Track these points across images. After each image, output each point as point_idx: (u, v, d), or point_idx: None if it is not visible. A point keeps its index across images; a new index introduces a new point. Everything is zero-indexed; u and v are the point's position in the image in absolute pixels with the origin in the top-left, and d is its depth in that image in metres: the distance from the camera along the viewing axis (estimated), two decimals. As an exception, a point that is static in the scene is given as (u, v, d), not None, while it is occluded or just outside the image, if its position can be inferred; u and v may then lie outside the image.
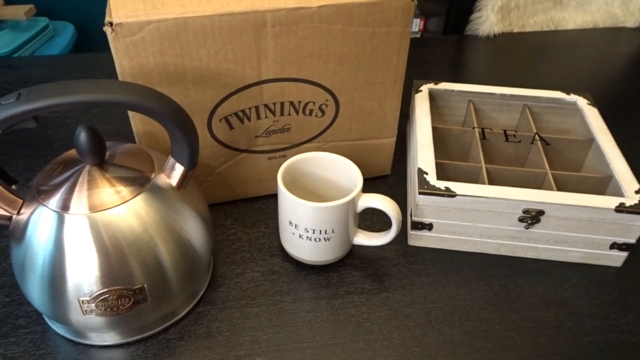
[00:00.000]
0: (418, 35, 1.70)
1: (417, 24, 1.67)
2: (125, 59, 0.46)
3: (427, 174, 0.52)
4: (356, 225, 0.52)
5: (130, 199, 0.42)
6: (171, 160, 0.44)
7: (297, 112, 0.54)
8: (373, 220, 0.57)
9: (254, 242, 0.55)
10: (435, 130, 0.61)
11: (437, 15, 1.39)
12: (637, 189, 0.51)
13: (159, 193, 0.44)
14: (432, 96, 0.66)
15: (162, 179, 0.44)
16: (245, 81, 0.50)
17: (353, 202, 0.48)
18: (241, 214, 0.58)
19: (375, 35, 0.51)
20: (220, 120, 0.52)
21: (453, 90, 0.66)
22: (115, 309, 0.42)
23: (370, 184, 0.63)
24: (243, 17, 0.47)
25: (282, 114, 0.54)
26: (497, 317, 0.49)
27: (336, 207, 0.47)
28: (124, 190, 0.43)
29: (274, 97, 0.52)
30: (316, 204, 0.46)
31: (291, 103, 0.53)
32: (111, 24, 0.44)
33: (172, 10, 0.45)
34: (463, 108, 0.67)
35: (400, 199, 0.58)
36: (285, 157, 0.55)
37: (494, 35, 0.96)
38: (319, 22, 0.49)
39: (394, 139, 0.61)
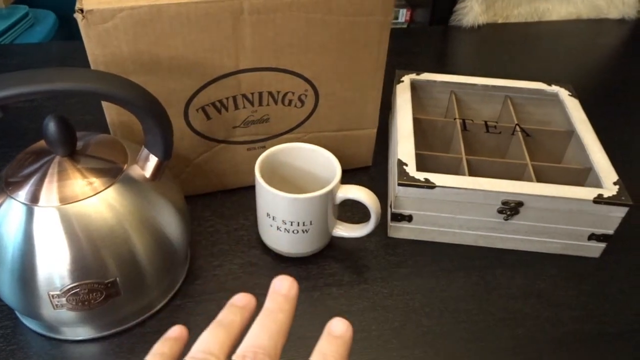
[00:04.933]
0: (405, 26, 1.69)
1: (403, 15, 1.66)
2: (98, 47, 0.45)
3: (406, 165, 0.52)
4: (335, 217, 0.51)
5: (102, 190, 0.41)
6: (145, 151, 0.43)
7: (275, 102, 0.54)
8: (353, 211, 0.56)
9: (233, 234, 0.54)
10: (417, 121, 0.60)
11: (424, 6, 1.38)
12: (615, 180, 0.52)
13: (132, 184, 0.43)
14: (414, 87, 0.65)
15: (136, 170, 0.44)
16: (222, 70, 0.49)
17: (331, 193, 0.47)
18: (220, 206, 0.57)
19: (356, 25, 0.51)
20: (197, 110, 0.51)
21: (435, 81, 0.65)
22: (86, 303, 0.41)
23: (352, 175, 0.62)
24: (220, 5, 0.46)
25: (260, 104, 0.53)
26: (476, 308, 0.49)
27: (314, 198, 0.46)
28: (96, 182, 0.42)
29: (252, 87, 0.52)
30: (293, 196, 0.46)
31: (270, 93, 0.53)
32: (82, 10, 0.43)
33: (146, -3, 0.44)
34: (445, 99, 0.66)
35: (382, 190, 0.58)
36: (265, 148, 0.54)
37: (479, 26, 0.96)
38: (298, 10, 0.48)
39: (375, 129, 0.60)
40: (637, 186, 0.54)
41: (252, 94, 0.52)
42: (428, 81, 0.65)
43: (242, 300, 0.25)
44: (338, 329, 0.25)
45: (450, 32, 0.97)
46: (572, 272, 0.53)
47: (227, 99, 0.51)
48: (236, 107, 0.53)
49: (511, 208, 0.50)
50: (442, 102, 0.67)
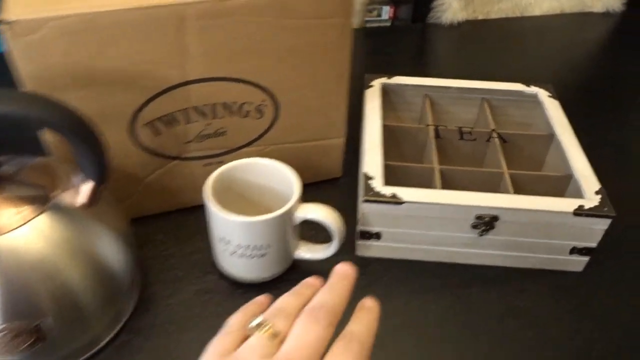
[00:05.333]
0: (388, 24, 1.65)
1: (387, 12, 1.62)
2: (25, 61, 0.41)
3: (372, 179, 0.48)
4: (297, 238, 0.48)
5: (31, 219, 0.37)
6: (79, 175, 0.39)
7: (231, 114, 0.50)
8: (317, 229, 0.52)
9: (188, 258, 0.50)
10: (387, 129, 0.56)
11: (408, 3, 1.35)
12: (597, 189, 0.48)
13: (65, 211, 0.39)
14: (386, 91, 0.61)
15: (70, 196, 0.39)
16: (168, 82, 0.45)
17: (289, 214, 0.43)
18: (176, 227, 0.53)
19: (314, 28, 0.47)
20: (144, 125, 0.47)
21: (407, 85, 0.61)
22: (15, 347, 0.37)
23: (320, 188, 0.58)
24: (159, 12, 0.41)
25: (215, 116, 0.49)
26: (452, 331, 0.45)
27: (270, 220, 0.42)
28: (25, 210, 0.38)
29: (204, 99, 0.48)
30: (247, 219, 0.42)
31: (224, 104, 0.49)
32: (6, 21, 0.39)
33: (78, 5, 0.40)
34: (420, 103, 0.63)
35: (352, 203, 0.54)
36: (223, 163, 0.51)
37: (458, 23, 0.92)
38: (249, 15, 0.44)
39: (343, 139, 0.56)
40: (622, 191, 0.51)
41: (205, 106, 0.48)
42: (400, 85, 0.61)
43: (313, 281, 0.31)
44: (367, 303, 0.29)
45: (429, 30, 0.93)
46: (554, 288, 0.49)
47: (176, 112, 0.47)
48: (188, 121, 0.49)
49: (486, 223, 0.47)
50: (416, 107, 0.63)
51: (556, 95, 0.60)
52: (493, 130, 0.56)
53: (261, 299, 0.31)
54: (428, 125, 0.57)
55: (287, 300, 0.28)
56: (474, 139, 0.56)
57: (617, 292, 0.49)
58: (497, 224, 0.47)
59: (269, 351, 0.25)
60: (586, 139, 0.55)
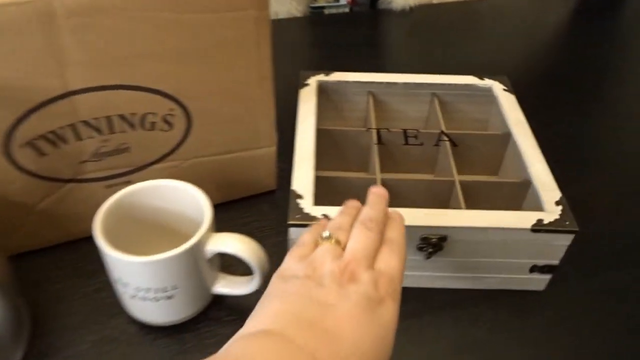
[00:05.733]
0: (347, 10, 1.58)
1: (345, -4, 1.54)
2: None
3: (301, 197, 0.41)
4: (215, 270, 0.41)
5: None
6: None
7: (133, 127, 0.42)
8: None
9: (90, 298, 0.43)
10: (326, 134, 0.50)
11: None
12: (557, 199, 0.42)
13: None
14: (325, 90, 0.54)
15: None
16: (45, 94, 0.37)
17: (196, 249, 0.36)
18: (78, 260, 0.45)
19: (221, 23, 0.39)
20: (22, 145, 0.39)
21: (348, 82, 0.54)
22: None
23: (253, 205, 0.51)
24: (19, 9, 0.33)
25: (111, 131, 0.41)
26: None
27: (171, 259, 0.35)
28: None
29: (95, 111, 0.40)
30: (141, 259, 0.34)
31: (121, 117, 0.41)
32: None
33: None
34: (364, 102, 0.56)
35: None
36: (130, 182, 0.43)
37: (411, 9, 0.85)
38: (138, 10, 0.36)
39: (274, 147, 0.49)
40: (585, 194, 0.45)
41: (97, 119, 0.40)
42: (340, 82, 0.54)
43: (354, 203, 0.37)
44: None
45: (380, 16, 0.86)
46: (513, 311, 0.43)
47: (62, 128, 0.40)
48: (78, 138, 0.41)
49: (433, 245, 0.40)
50: (360, 106, 0.56)
51: (512, 88, 0.54)
52: (442, 132, 0.50)
53: (322, 221, 0.37)
54: (369, 129, 0.50)
55: (341, 219, 0.34)
56: (421, 144, 0.50)
57: (585, 310, 0.44)
58: (446, 244, 0.41)
59: (337, 253, 0.31)
60: (545, 135, 0.49)
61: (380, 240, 0.33)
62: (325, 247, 0.31)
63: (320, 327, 0.26)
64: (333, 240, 0.32)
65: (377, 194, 0.37)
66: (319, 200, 0.41)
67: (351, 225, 0.33)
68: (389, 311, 0.29)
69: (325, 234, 0.33)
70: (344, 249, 0.31)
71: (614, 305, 0.44)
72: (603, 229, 0.50)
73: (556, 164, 0.46)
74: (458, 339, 0.41)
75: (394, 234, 0.34)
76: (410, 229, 0.39)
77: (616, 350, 0.41)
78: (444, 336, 0.42)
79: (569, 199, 0.42)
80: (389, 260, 0.31)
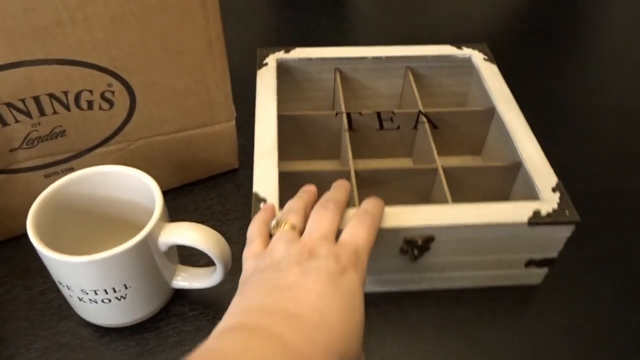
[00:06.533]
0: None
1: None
2: None
3: (264, 201, 0.36)
4: (174, 262, 0.37)
5: None
6: None
7: (67, 107, 0.37)
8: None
9: (37, 301, 0.38)
10: (289, 120, 0.44)
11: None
12: (554, 184, 0.38)
13: None
14: (286, 69, 0.49)
15: None
16: (-46, 74, 0.32)
17: (148, 242, 0.32)
18: (22, 259, 0.41)
19: (159, -18, 0.34)
20: (-64, 136, 0.34)
21: (311, 59, 0.49)
22: None
23: (213, 185, 0.47)
24: None
25: (42, 113, 0.36)
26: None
27: (117, 257, 0.31)
28: None
29: (19, 92, 0.35)
30: (81, 259, 0.30)
31: (52, 96, 0.36)
32: None
33: None
34: (331, 80, 0.50)
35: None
36: (72, 170, 0.39)
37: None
38: (57, -32, 0.31)
39: (233, 122, 0.45)
40: (585, 173, 0.41)
41: (23, 100, 0.35)
42: (302, 60, 0.49)
43: (310, 187, 0.36)
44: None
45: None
46: (507, 309, 0.40)
47: (-19, 113, 0.34)
48: (3, 123, 0.36)
49: (419, 247, 0.36)
50: (327, 84, 0.51)
51: (493, 57, 0.50)
52: (420, 112, 0.45)
53: (264, 209, 0.35)
54: (338, 113, 0.45)
55: (293, 203, 0.33)
56: (397, 127, 0.45)
57: (584, 304, 0.40)
58: (433, 244, 0.36)
59: (294, 237, 0.30)
60: (533, 110, 0.45)
61: (340, 218, 0.32)
62: (279, 234, 0.31)
63: (284, 309, 0.26)
64: (287, 226, 0.31)
65: (339, 183, 0.36)
66: (285, 201, 0.35)
67: (307, 209, 0.33)
68: (351, 280, 0.28)
69: (273, 221, 0.32)
70: (301, 232, 0.31)
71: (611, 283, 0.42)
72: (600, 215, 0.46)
73: (544, 141, 0.41)
74: (451, 348, 0.38)
75: (369, 205, 0.33)
76: (391, 232, 0.35)
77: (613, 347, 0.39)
78: (437, 345, 0.38)
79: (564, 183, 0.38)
80: (356, 231, 0.31)
